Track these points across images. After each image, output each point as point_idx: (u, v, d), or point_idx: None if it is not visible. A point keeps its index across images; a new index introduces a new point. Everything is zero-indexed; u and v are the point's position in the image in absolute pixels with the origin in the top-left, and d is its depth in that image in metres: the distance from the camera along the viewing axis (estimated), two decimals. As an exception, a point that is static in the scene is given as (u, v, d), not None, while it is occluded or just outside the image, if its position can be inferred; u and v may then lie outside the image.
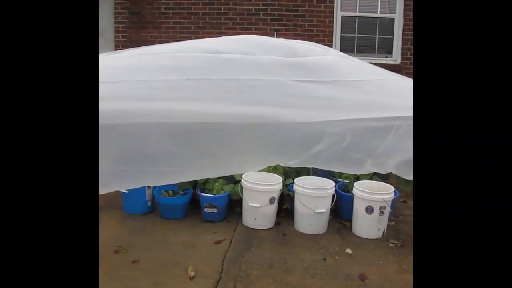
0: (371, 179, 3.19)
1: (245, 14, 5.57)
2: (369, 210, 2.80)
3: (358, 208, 2.86)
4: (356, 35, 5.62)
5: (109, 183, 1.46)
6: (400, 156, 1.60)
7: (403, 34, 5.52)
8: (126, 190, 3.06)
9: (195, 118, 1.39)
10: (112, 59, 1.57)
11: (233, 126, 1.42)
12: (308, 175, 3.24)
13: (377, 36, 5.63)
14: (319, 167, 1.69)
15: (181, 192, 3.13)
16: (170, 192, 3.16)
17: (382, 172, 1.67)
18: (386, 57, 5.50)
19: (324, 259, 2.51)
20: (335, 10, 5.55)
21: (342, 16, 5.61)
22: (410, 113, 1.34)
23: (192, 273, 2.27)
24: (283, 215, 3.11)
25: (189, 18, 5.63)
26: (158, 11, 5.66)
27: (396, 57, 5.57)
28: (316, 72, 1.49)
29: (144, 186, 3.09)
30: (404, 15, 5.52)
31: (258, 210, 2.88)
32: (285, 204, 3.14)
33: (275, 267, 2.39)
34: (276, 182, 2.96)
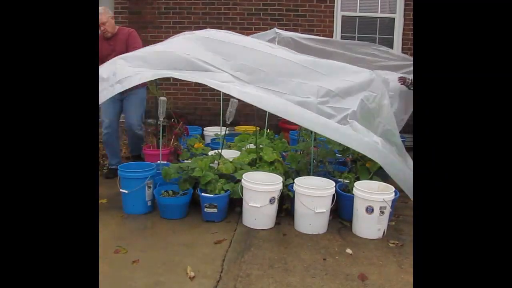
0: (371, 179, 3.19)
1: (245, 14, 5.57)
2: (369, 210, 2.79)
3: (358, 208, 2.86)
4: (356, 35, 5.62)
5: None
6: None
7: (403, 34, 5.52)
8: (126, 190, 3.07)
9: None
10: None
11: None
12: (308, 175, 3.24)
13: (377, 36, 5.63)
14: None
15: (181, 192, 3.13)
16: (170, 192, 3.16)
17: None
18: (387, 57, 5.47)
19: (324, 259, 2.51)
20: (335, 10, 5.55)
21: (342, 16, 5.61)
22: None
23: (192, 273, 2.27)
24: (283, 215, 3.11)
25: (189, 18, 5.63)
26: (158, 11, 5.66)
27: (396, 57, 5.55)
28: None
29: (144, 186, 3.09)
30: (405, 15, 5.51)
31: (258, 210, 2.88)
32: (285, 204, 3.14)
33: (275, 267, 2.39)
34: (276, 182, 2.96)
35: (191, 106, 5.53)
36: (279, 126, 5.13)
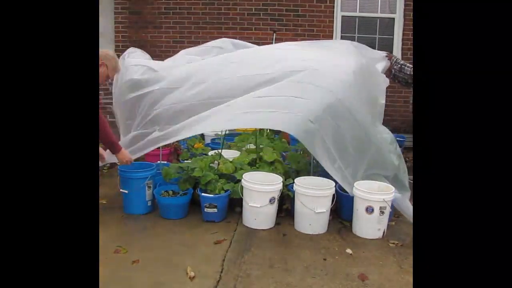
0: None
1: (245, 14, 5.57)
2: (369, 210, 2.79)
3: (358, 208, 2.86)
4: (356, 35, 5.62)
5: None
6: None
7: (403, 34, 5.52)
8: (126, 190, 3.07)
9: None
10: None
11: None
12: (308, 175, 3.24)
13: (377, 36, 5.63)
14: None
15: (181, 192, 3.13)
16: (170, 192, 3.16)
17: None
18: (387, 57, 5.47)
19: (324, 259, 2.51)
20: (335, 10, 5.55)
21: (342, 16, 5.61)
22: None
23: (192, 273, 2.27)
24: (283, 215, 3.11)
25: (189, 18, 5.63)
26: (158, 11, 5.66)
27: (396, 57, 5.55)
28: None
29: (144, 186, 3.09)
30: (405, 15, 5.52)
31: (258, 210, 2.88)
32: (285, 204, 3.14)
33: (275, 267, 2.39)
34: (276, 182, 2.96)
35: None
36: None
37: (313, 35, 5.46)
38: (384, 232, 2.85)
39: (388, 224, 2.91)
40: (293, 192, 2.96)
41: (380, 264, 2.48)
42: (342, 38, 5.54)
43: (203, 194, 3.01)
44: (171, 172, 3.21)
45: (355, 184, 2.94)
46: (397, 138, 3.53)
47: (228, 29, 5.48)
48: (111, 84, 3.39)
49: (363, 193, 2.83)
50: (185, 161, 3.65)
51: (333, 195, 2.93)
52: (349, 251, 2.62)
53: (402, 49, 5.48)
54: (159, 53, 5.67)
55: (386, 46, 5.56)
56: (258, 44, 3.94)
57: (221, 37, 3.94)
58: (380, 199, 2.79)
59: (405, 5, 5.44)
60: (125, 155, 2.95)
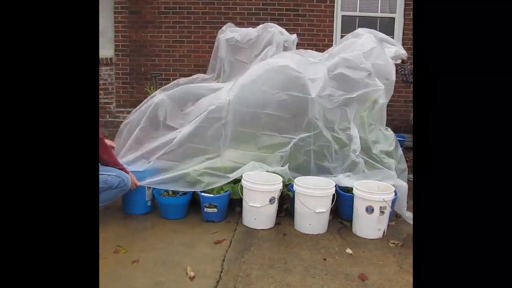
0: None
1: (245, 13, 5.56)
2: (369, 210, 2.79)
3: (358, 208, 2.86)
4: (356, 34, 5.60)
5: None
6: None
7: (403, 34, 5.52)
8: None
9: None
10: None
11: None
12: (308, 175, 3.23)
13: (377, 35, 5.61)
14: None
15: (181, 192, 3.13)
16: (170, 192, 3.16)
17: None
18: (386, 56, 5.47)
19: (324, 259, 2.51)
20: (335, 9, 5.55)
21: (342, 16, 5.61)
22: None
23: (192, 273, 2.27)
24: (283, 215, 3.11)
25: (189, 18, 5.63)
26: (157, 10, 5.65)
27: (396, 57, 5.55)
28: None
29: (144, 186, 3.09)
30: (405, 15, 5.51)
31: (258, 210, 2.88)
32: (285, 204, 3.14)
33: (275, 267, 2.39)
34: (276, 182, 2.96)
35: (191, 106, 5.53)
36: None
37: (313, 35, 5.46)
38: (384, 232, 2.85)
39: (388, 224, 2.91)
40: (293, 192, 2.96)
41: (380, 264, 2.48)
42: (342, 37, 5.54)
43: (203, 194, 3.01)
44: (171, 172, 3.21)
45: (355, 184, 2.94)
46: (397, 138, 3.53)
47: (228, 29, 5.47)
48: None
49: (363, 193, 2.83)
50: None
51: (333, 195, 2.93)
52: (349, 251, 2.62)
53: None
54: (159, 52, 5.67)
55: (386, 46, 5.56)
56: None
57: (221, 37, 3.94)
58: (380, 199, 2.79)
59: (406, 4, 5.44)
60: (132, 180, 2.93)
